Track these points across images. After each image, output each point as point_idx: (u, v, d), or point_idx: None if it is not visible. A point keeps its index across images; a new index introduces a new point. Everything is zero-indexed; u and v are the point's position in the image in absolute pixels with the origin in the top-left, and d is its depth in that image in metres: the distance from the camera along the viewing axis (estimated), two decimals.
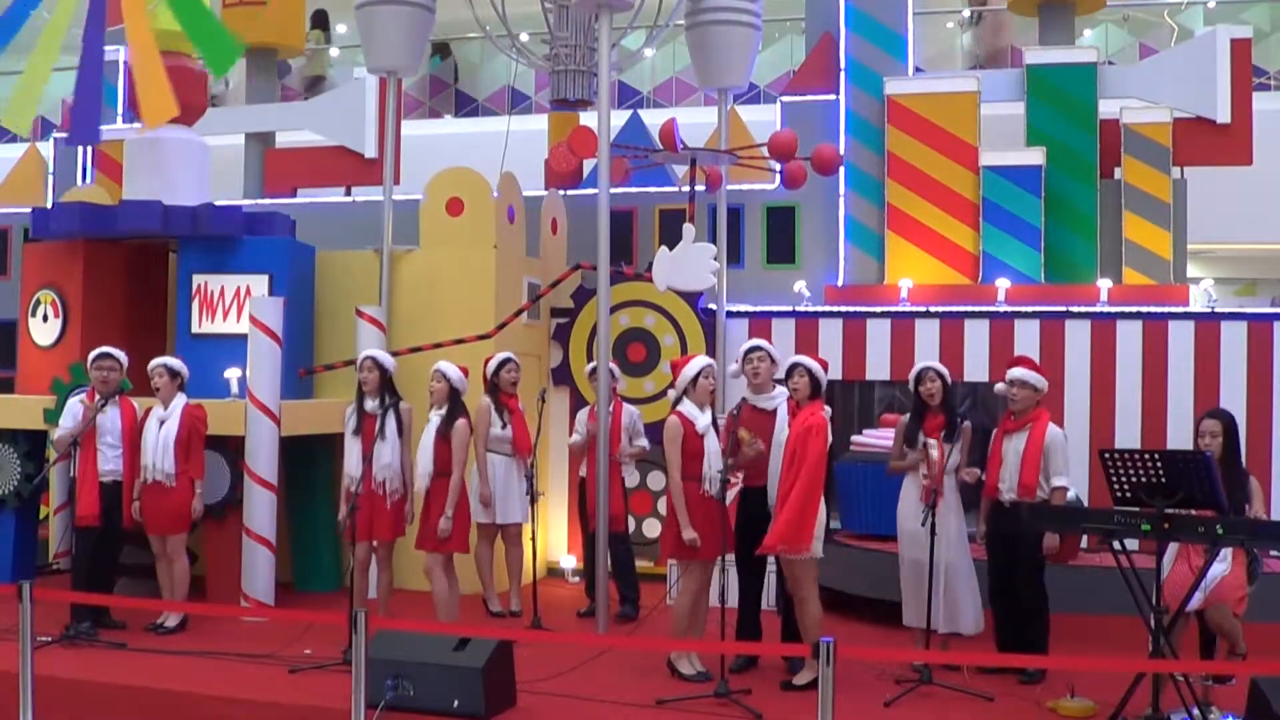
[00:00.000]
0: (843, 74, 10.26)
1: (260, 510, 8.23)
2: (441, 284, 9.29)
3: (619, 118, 10.91)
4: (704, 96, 12.92)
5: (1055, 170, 9.72)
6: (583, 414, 8.47)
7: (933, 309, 9.38)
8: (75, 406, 7.78)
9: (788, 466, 6.47)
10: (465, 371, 7.54)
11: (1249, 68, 9.70)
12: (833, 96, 10.28)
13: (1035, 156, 9.68)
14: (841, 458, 8.44)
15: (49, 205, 10.33)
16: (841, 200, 10.17)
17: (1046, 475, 6.67)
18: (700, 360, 6.75)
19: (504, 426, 8.25)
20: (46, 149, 12.38)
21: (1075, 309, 9.11)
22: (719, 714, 6.08)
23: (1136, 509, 5.70)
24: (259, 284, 8.88)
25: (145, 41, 8.67)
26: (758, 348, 6.91)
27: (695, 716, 6.06)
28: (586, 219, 8.99)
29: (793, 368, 6.70)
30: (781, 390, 6.81)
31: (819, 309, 9.69)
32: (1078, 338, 9.06)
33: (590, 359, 9.08)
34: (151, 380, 7.90)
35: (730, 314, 9.70)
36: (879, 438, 8.46)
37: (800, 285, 9.88)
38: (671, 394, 6.84)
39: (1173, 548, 6.05)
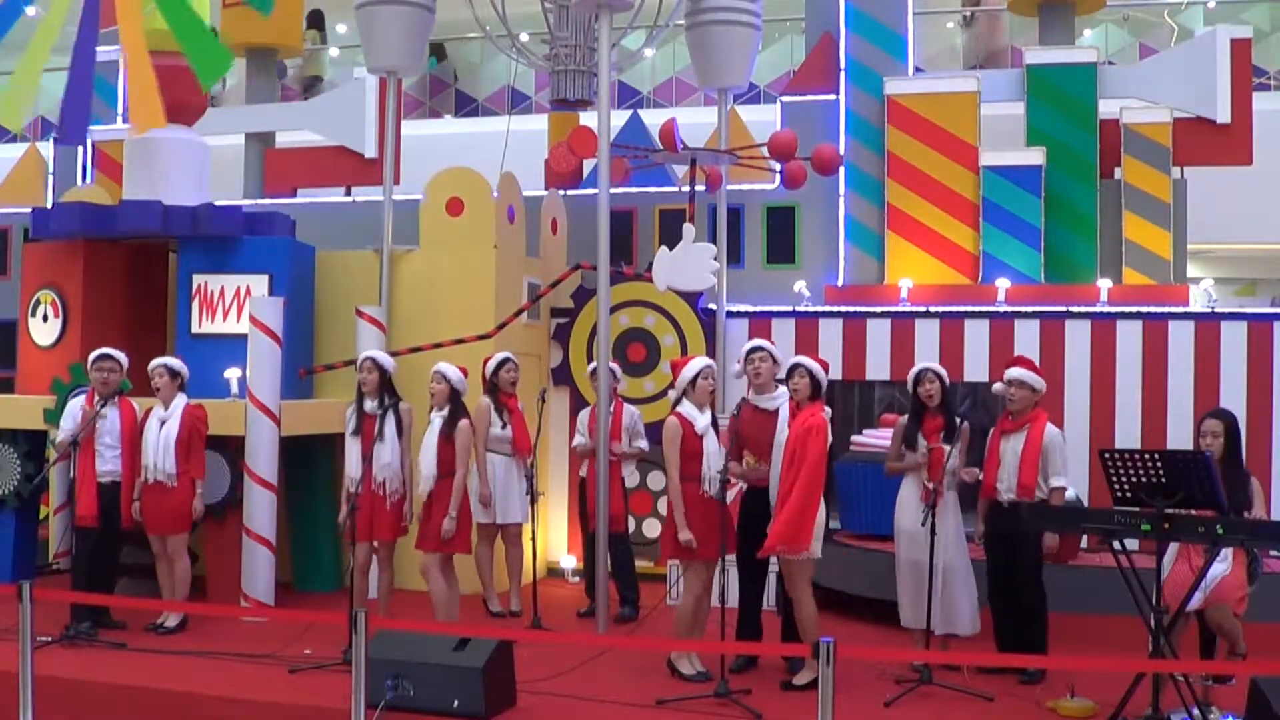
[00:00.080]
0: (843, 74, 10.26)
1: (260, 510, 8.23)
2: (441, 284, 9.29)
3: (619, 118, 10.90)
4: (704, 96, 12.90)
5: (1055, 170, 9.71)
6: (584, 415, 8.45)
7: (933, 309, 9.38)
8: (75, 409, 7.78)
9: (788, 467, 6.47)
10: (465, 372, 7.54)
11: (1249, 68, 9.70)
12: (833, 96, 10.28)
13: (1035, 156, 9.68)
14: (841, 458, 8.43)
15: (49, 205, 10.32)
16: (841, 200, 10.16)
17: (1045, 475, 6.68)
18: (699, 361, 6.75)
19: (504, 426, 8.25)
20: (46, 149, 12.38)
21: (1075, 309, 9.12)
22: (719, 714, 6.08)
23: (1136, 509, 5.70)
24: (259, 284, 8.88)
25: (138, 47, 8.66)
26: (759, 348, 6.89)
27: (695, 716, 6.05)
28: (586, 219, 8.99)
29: (793, 368, 6.69)
30: (783, 391, 6.79)
31: (819, 309, 9.69)
32: (1078, 338, 9.06)
33: (590, 359, 9.08)
34: (152, 380, 7.90)
35: (730, 314, 9.70)
36: (879, 438, 8.46)
37: (800, 285, 9.88)
38: (671, 394, 6.85)
39: (1173, 548, 6.05)
